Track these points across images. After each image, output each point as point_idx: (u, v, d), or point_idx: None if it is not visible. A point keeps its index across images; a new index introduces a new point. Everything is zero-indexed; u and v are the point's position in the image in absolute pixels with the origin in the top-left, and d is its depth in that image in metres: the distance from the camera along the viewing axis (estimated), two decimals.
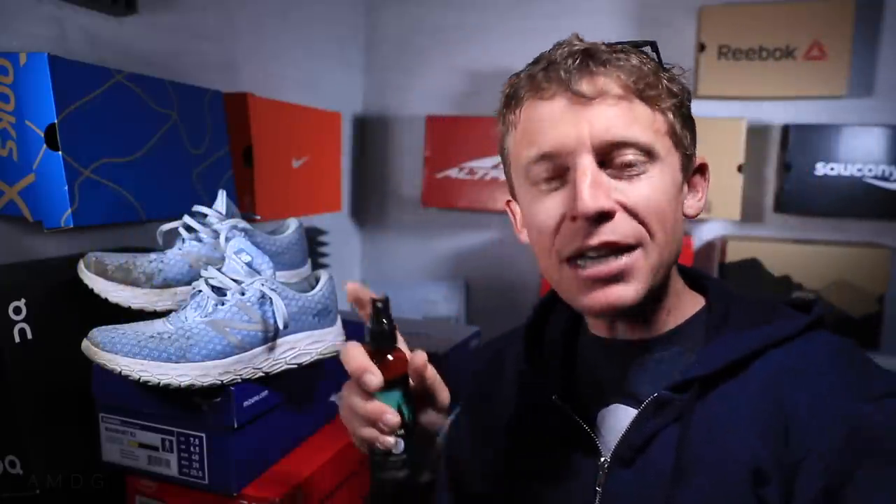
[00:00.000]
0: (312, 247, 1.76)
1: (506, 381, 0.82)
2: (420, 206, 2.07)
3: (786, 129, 1.75)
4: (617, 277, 0.63)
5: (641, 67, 0.64)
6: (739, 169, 1.71)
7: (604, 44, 0.65)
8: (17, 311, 0.83)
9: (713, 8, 1.77)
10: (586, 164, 0.62)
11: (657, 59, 0.68)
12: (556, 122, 0.63)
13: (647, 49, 0.68)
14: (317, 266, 1.64)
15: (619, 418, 0.69)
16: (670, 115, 0.66)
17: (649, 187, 0.63)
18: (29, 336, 0.84)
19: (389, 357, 0.62)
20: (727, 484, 0.60)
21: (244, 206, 1.29)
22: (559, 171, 0.64)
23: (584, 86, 0.62)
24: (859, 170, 1.67)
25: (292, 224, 1.06)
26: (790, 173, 1.71)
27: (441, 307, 2.06)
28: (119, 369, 0.78)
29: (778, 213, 1.81)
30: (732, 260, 1.74)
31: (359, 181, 2.19)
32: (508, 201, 0.77)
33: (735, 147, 1.71)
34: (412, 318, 1.82)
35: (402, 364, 0.63)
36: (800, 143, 1.70)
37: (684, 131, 0.68)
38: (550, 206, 0.65)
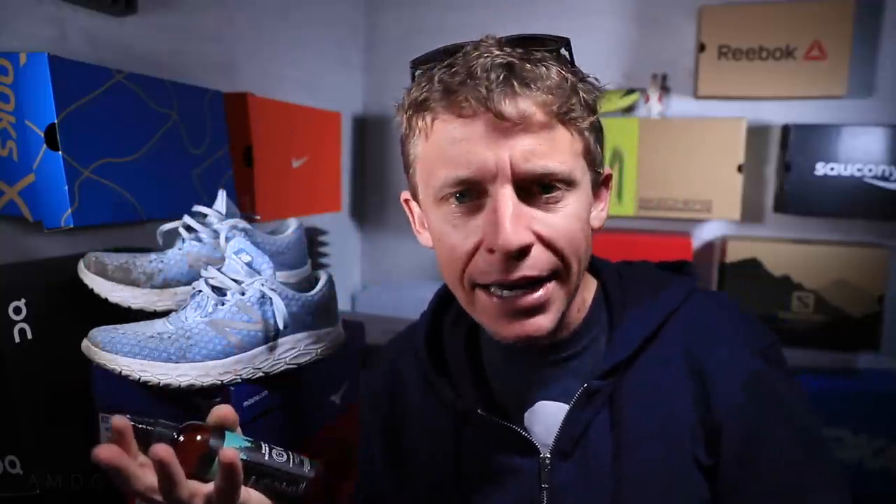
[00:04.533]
0: (312, 247, 1.76)
1: (411, 397, 0.79)
2: None
3: (786, 129, 1.75)
4: (535, 309, 0.62)
5: (562, 85, 0.61)
6: (739, 169, 1.71)
7: (519, 50, 0.61)
8: (17, 311, 0.83)
9: (713, 8, 1.77)
10: (507, 195, 0.59)
11: (570, 60, 0.65)
12: (475, 145, 0.59)
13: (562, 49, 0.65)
14: (317, 266, 1.63)
15: (548, 414, 0.70)
16: (587, 134, 0.64)
17: (565, 217, 0.62)
18: (29, 336, 0.84)
19: (183, 438, 0.57)
20: (672, 449, 0.65)
21: (244, 206, 1.29)
22: (476, 194, 0.61)
23: (507, 107, 0.58)
24: (859, 170, 1.67)
25: (292, 224, 1.06)
26: (790, 173, 1.71)
27: None
28: (119, 369, 0.78)
29: (778, 213, 1.81)
30: (732, 260, 1.74)
31: (359, 181, 2.19)
32: (406, 200, 0.75)
33: (735, 147, 1.71)
34: (412, 318, 1.82)
35: (201, 432, 0.58)
36: (800, 143, 1.70)
37: (597, 147, 0.66)
38: (464, 233, 0.62)
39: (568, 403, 0.69)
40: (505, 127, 0.58)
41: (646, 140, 1.75)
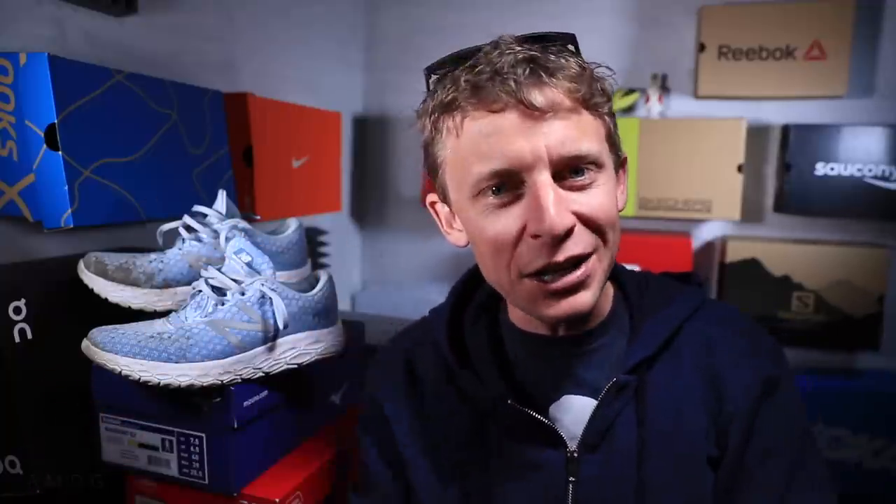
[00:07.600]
0: (312, 247, 1.76)
1: (429, 386, 0.78)
2: (420, 206, 2.07)
3: (786, 129, 1.75)
4: (578, 286, 0.64)
5: (582, 73, 0.64)
6: (739, 169, 1.71)
7: (536, 42, 0.64)
8: (17, 311, 0.83)
9: (713, 8, 1.77)
10: (546, 180, 0.61)
11: (578, 53, 0.68)
12: (509, 136, 0.61)
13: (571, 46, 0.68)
14: (317, 266, 1.63)
15: (575, 408, 0.71)
16: (607, 119, 0.67)
17: (600, 196, 0.64)
18: (29, 336, 0.84)
19: None
20: (689, 448, 0.68)
21: (244, 206, 1.29)
22: (513, 184, 0.63)
23: (537, 98, 0.61)
24: (859, 170, 1.67)
25: (292, 224, 1.06)
26: (790, 173, 1.71)
27: None
28: (119, 369, 0.78)
29: (778, 213, 1.81)
30: (732, 260, 1.74)
31: (359, 181, 2.19)
32: (433, 202, 0.77)
33: (735, 147, 1.71)
34: (412, 318, 1.82)
35: None
36: (800, 143, 1.70)
37: (616, 132, 0.69)
38: (506, 223, 0.64)
39: (593, 398, 0.70)
40: (536, 116, 0.61)
41: (646, 140, 1.75)
